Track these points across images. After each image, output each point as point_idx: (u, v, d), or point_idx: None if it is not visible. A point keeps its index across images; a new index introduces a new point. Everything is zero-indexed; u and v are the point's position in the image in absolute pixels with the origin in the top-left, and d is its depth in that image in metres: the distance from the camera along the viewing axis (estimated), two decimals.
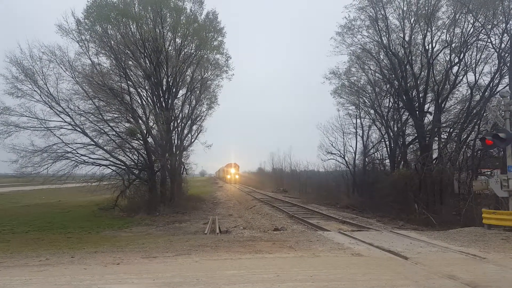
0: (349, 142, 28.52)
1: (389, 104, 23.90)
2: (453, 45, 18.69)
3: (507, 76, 17.01)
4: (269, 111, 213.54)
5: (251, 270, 6.06)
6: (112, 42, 19.39)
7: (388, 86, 23.08)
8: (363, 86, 24.97)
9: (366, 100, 25.21)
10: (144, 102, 21.62)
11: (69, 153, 19.29)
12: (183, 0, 20.60)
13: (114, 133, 20.29)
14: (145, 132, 20.00)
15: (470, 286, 5.17)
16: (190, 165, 28.68)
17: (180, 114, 24.75)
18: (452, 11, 18.04)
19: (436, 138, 19.92)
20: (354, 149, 27.77)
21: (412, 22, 19.69)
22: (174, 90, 22.53)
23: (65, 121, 19.08)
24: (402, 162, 22.42)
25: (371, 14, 20.42)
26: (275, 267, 6.28)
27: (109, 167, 20.73)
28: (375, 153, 26.68)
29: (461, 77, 19.36)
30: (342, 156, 28.82)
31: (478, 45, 18.08)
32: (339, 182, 30.06)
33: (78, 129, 19.19)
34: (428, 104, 21.24)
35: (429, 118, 20.51)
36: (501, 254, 7.58)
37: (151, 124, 20.82)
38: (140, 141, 20.78)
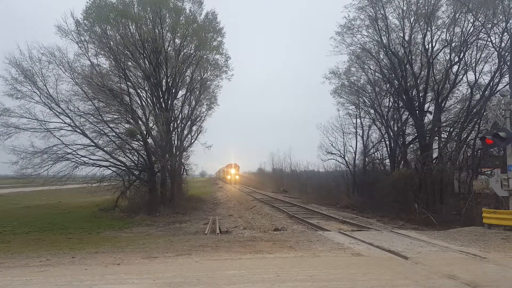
0: (349, 142, 28.58)
1: (389, 104, 23.92)
2: (453, 44, 18.71)
3: (507, 75, 17.03)
4: (269, 111, 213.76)
5: (252, 270, 6.05)
6: (112, 43, 19.38)
7: (388, 85, 23.07)
8: (363, 85, 24.97)
9: (366, 100, 25.21)
10: (143, 103, 21.61)
11: (69, 154, 19.33)
12: (182, 1, 20.60)
13: (114, 134, 20.31)
14: (145, 133, 19.98)
15: (470, 286, 5.16)
16: (190, 166, 28.82)
17: (180, 115, 24.80)
18: (452, 10, 18.06)
19: (436, 138, 19.91)
20: (354, 149, 27.84)
21: (412, 21, 19.69)
22: (173, 90, 22.52)
23: (65, 122, 19.13)
24: (402, 161, 22.43)
25: (370, 13, 20.45)
26: (275, 267, 6.28)
27: (109, 168, 20.76)
28: (375, 153, 26.72)
29: (461, 76, 19.41)
30: (342, 156, 28.86)
31: (478, 44, 18.11)
32: (339, 182, 30.06)
33: (78, 130, 19.22)
34: (428, 103, 21.26)
35: (429, 117, 20.53)
36: (501, 254, 7.57)
37: (151, 125, 20.80)
38: (140, 142, 20.76)
